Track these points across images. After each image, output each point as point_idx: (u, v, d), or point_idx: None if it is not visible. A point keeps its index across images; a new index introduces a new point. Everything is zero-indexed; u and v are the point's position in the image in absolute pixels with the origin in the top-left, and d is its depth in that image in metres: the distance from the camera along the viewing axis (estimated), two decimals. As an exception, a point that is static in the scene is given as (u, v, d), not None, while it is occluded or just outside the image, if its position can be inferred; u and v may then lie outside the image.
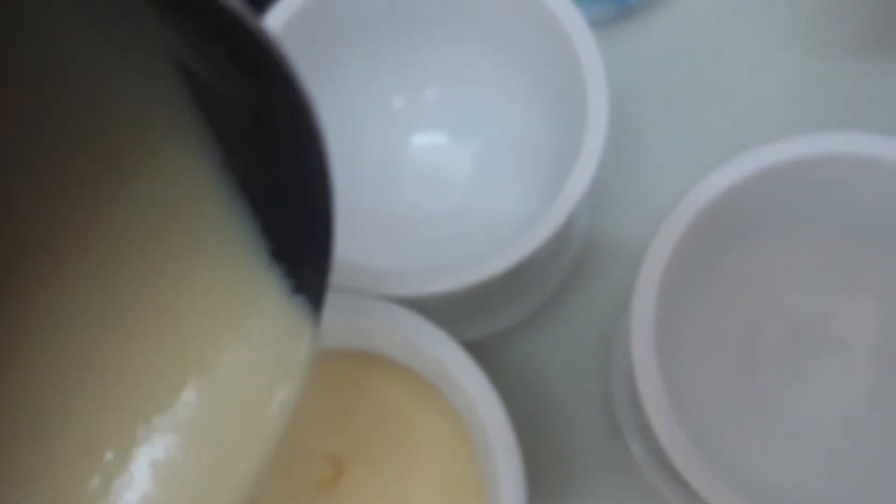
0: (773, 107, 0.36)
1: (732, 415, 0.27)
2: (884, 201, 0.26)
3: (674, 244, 0.25)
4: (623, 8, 0.38)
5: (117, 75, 0.17)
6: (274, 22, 0.28)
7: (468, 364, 0.24)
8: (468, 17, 0.30)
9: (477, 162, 0.32)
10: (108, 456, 0.18)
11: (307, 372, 0.19)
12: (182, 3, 0.14)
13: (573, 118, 0.27)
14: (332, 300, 0.24)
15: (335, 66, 0.30)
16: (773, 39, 0.38)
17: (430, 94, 0.32)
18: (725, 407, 0.27)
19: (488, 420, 0.23)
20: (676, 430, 0.23)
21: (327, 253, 0.18)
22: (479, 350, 0.33)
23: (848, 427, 0.27)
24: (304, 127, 0.16)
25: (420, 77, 0.32)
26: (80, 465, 0.18)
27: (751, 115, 0.36)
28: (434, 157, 0.32)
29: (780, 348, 0.28)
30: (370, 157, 0.31)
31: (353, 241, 0.29)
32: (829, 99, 0.36)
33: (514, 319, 0.33)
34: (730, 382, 0.27)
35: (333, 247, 0.18)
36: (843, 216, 0.27)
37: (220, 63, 0.16)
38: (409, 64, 0.31)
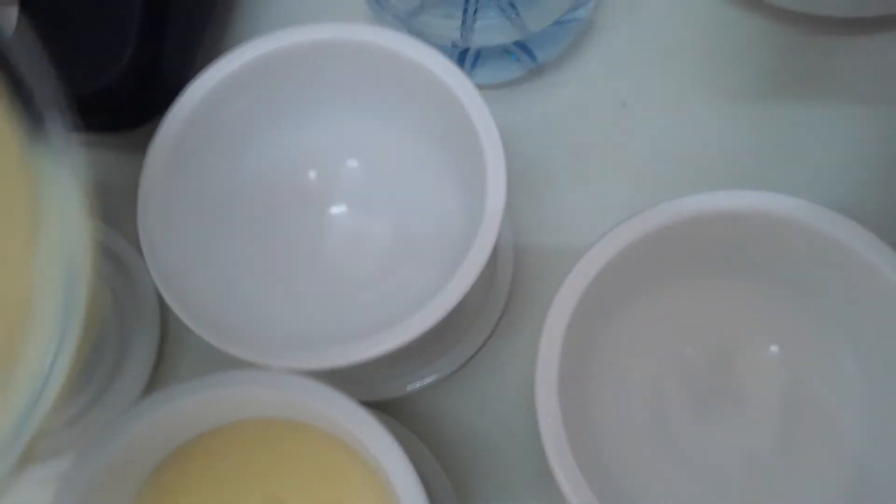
0: (678, 155, 0.38)
1: (643, 460, 0.28)
2: (781, 255, 0.28)
3: (576, 300, 0.27)
4: (534, 67, 0.40)
5: None
6: (187, 102, 0.29)
7: (379, 434, 0.25)
8: (376, 95, 0.31)
9: (394, 229, 0.33)
10: None
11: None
12: None
13: (477, 181, 0.29)
14: (253, 376, 0.26)
15: (247, 145, 0.32)
16: (676, 90, 0.40)
17: (347, 166, 0.34)
18: (636, 453, 0.28)
19: (400, 487, 0.24)
20: (579, 478, 0.24)
21: None
22: (409, 404, 0.34)
23: (752, 473, 0.28)
24: None
25: (335, 151, 0.33)
26: None
27: (658, 164, 0.38)
28: (352, 226, 0.33)
29: (683, 398, 0.29)
30: (289, 228, 0.32)
31: (275, 308, 0.30)
32: (732, 145, 0.38)
33: (444, 372, 0.34)
34: (639, 430, 0.29)
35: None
36: (743, 269, 0.29)
37: None
38: (323, 139, 0.33)
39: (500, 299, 0.35)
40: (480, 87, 0.29)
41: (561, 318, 0.26)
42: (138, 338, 0.36)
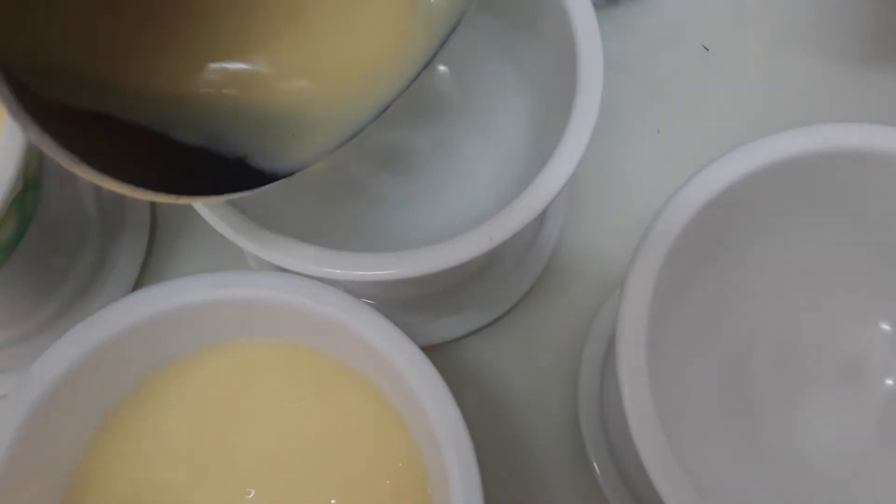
0: (759, 114, 0.34)
1: (723, 443, 0.23)
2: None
3: (664, 252, 0.22)
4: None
5: None
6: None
7: (426, 370, 0.20)
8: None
9: (447, 146, 0.28)
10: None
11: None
12: None
13: (559, 102, 0.24)
14: (278, 279, 0.21)
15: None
16: (765, 41, 0.35)
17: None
18: (715, 434, 0.23)
19: (442, 431, 0.19)
20: (665, 458, 0.19)
21: None
22: (440, 354, 0.29)
23: (849, 464, 0.23)
24: None
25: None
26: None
27: (736, 121, 0.33)
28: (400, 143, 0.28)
29: (775, 373, 0.24)
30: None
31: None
32: (817, 99, 0.34)
33: (479, 323, 0.30)
34: (721, 408, 0.24)
35: None
36: (855, 226, 0.24)
37: None
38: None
39: (547, 244, 0.31)
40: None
41: (647, 274, 0.21)
42: (123, 240, 0.31)
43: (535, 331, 0.30)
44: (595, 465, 0.28)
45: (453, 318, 0.29)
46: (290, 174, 0.20)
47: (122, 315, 0.21)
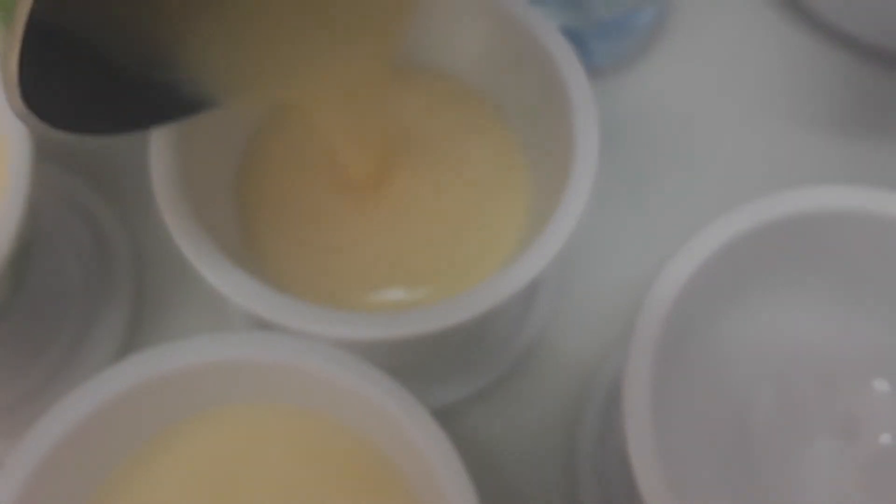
0: (743, 181, 0.34)
1: (723, 494, 0.23)
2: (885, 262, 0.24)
3: (666, 311, 0.22)
4: (591, 68, 0.36)
5: None
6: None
7: (436, 434, 0.20)
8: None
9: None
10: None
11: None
12: None
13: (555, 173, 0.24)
14: (280, 340, 0.21)
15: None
16: (743, 109, 0.36)
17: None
18: (717, 485, 0.23)
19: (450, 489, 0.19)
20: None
21: None
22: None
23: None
24: None
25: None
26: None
27: (721, 189, 0.34)
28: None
29: (774, 429, 0.24)
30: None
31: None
32: (802, 166, 0.34)
33: (473, 388, 0.29)
34: (722, 462, 0.24)
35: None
36: (854, 283, 0.24)
37: None
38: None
39: (541, 314, 0.31)
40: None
41: (651, 331, 0.22)
42: (109, 304, 0.30)
43: (530, 396, 0.30)
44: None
45: (446, 384, 0.29)
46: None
47: (119, 379, 0.21)
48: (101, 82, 0.18)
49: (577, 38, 0.34)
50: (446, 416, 0.29)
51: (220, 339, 0.21)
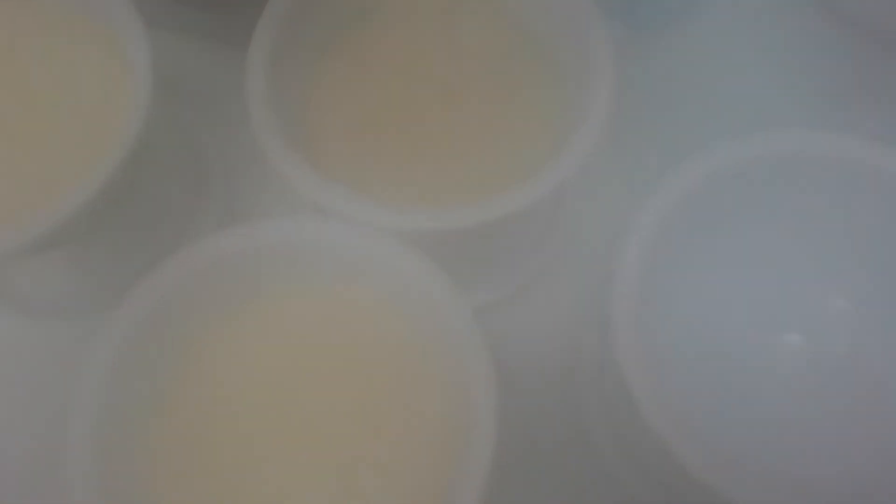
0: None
1: (707, 385, 0.28)
2: (848, 201, 0.27)
3: (649, 235, 0.26)
4: (638, 26, 0.40)
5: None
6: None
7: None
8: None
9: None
10: None
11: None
12: None
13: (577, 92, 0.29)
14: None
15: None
16: (761, 76, 0.39)
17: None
18: (701, 380, 0.28)
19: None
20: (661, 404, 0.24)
21: None
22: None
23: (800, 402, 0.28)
24: None
25: None
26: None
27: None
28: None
29: (746, 328, 0.28)
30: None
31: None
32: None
33: (501, 293, 0.34)
34: (702, 355, 0.28)
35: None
36: (821, 218, 0.28)
37: None
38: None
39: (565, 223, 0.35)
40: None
41: (634, 252, 0.26)
42: (204, 208, 0.36)
43: (548, 307, 0.35)
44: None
45: (475, 287, 0.34)
46: None
47: (202, 252, 0.26)
48: None
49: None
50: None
51: (284, 224, 0.26)
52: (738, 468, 0.23)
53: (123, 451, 0.25)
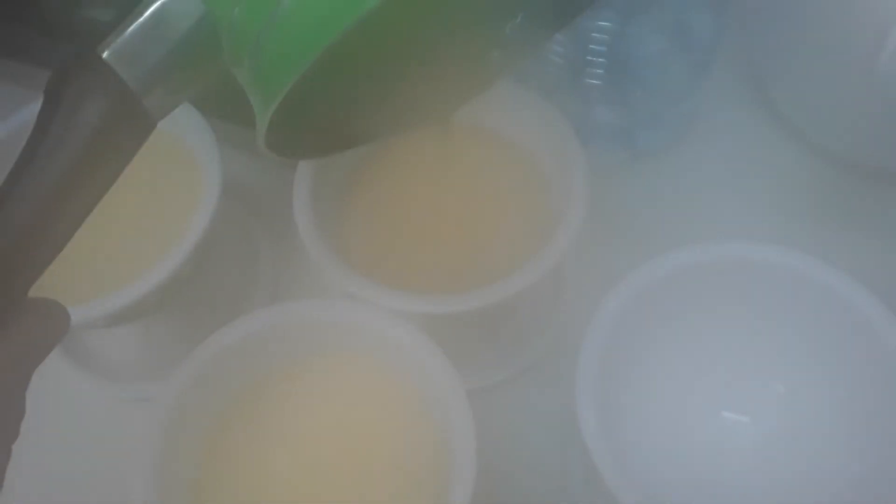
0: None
1: (665, 458, 0.32)
2: (785, 303, 0.32)
3: (609, 328, 0.31)
4: (635, 152, 0.46)
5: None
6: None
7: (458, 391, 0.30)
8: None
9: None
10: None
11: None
12: None
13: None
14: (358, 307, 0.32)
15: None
16: (740, 197, 0.45)
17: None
18: (659, 453, 0.32)
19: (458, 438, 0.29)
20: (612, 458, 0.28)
21: None
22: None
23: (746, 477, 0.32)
24: None
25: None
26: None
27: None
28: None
29: (697, 407, 0.33)
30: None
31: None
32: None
33: (502, 375, 0.39)
34: (661, 434, 0.33)
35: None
36: (747, 311, 0.33)
37: None
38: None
39: (562, 313, 0.41)
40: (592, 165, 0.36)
41: (597, 335, 0.31)
42: (255, 288, 0.43)
43: (543, 393, 0.40)
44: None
45: (482, 369, 0.39)
46: None
47: (245, 325, 0.33)
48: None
49: (624, 129, 0.45)
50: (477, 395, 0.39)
51: (316, 304, 0.33)
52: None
53: (180, 481, 0.31)
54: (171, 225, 0.37)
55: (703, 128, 0.48)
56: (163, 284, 0.34)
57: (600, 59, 0.41)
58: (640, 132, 0.46)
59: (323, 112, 0.28)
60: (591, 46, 0.40)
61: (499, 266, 0.34)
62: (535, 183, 0.38)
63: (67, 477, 0.40)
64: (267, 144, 0.25)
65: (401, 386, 0.33)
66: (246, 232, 0.45)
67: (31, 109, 0.38)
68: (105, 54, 0.21)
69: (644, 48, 0.40)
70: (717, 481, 0.32)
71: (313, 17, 0.20)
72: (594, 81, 0.42)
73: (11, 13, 0.39)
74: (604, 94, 0.43)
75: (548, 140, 0.37)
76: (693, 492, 0.32)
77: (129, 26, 0.22)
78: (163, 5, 0.22)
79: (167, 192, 0.39)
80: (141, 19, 0.22)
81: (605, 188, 0.45)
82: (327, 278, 0.34)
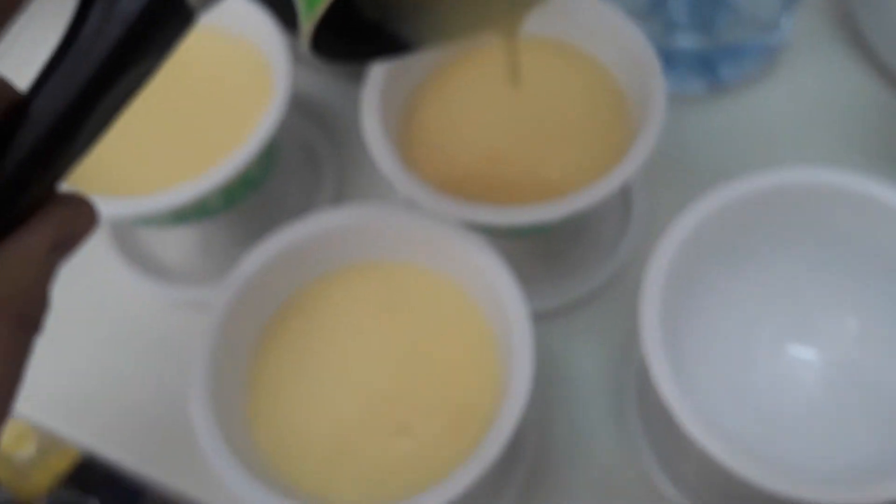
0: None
1: (731, 390, 0.31)
2: (852, 227, 0.31)
3: (671, 260, 0.30)
4: (715, 84, 0.44)
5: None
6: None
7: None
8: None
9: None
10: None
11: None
12: None
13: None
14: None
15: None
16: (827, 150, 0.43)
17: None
18: (725, 385, 0.31)
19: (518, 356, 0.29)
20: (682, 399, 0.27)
21: None
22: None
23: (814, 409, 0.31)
24: None
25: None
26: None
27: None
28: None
29: (766, 339, 0.32)
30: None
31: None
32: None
33: (565, 299, 0.38)
34: (727, 371, 0.32)
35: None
36: (817, 240, 0.32)
37: None
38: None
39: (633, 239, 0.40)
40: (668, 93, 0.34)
41: (661, 267, 0.29)
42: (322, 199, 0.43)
43: (606, 319, 0.39)
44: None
45: (542, 292, 0.38)
46: None
47: (303, 227, 0.32)
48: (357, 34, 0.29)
49: (705, 59, 0.43)
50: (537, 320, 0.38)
51: (380, 208, 0.33)
52: (764, 463, 0.26)
53: (233, 382, 0.31)
54: (239, 128, 0.36)
55: (788, 64, 0.45)
56: (226, 184, 0.34)
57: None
58: (722, 63, 0.44)
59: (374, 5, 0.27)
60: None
61: (566, 184, 0.33)
62: (612, 102, 0.36)
63: (114, 375, 0.40)
64: (312, 45, 0.24)
65: (463, 301, 0.32)
66: (311, 145, 0.45)
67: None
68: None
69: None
70: (779, 413, 0.31)
71: None
72: (679, 4, 0.40)
73: None
74: (689, 17, 0.41)
75: (628, 61, 0.36)
76: (752, 422, 0.31)
77: None
78: None
79: (238, 96, 0.38)
80: None
81: (682, 117, 0.44)
82: (393, 187, 0.33)
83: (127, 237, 0.42)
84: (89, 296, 0.42)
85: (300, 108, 0.46)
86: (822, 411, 0.31)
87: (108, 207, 0.33)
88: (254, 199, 0.39)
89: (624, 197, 0.40)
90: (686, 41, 0.42)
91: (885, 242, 0.30)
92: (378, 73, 0.35)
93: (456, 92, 0.37)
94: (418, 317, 0.33)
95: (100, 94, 0.21)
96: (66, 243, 0.21)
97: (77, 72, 0.20)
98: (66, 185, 0.22)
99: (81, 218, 0.22)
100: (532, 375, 0.28)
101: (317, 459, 0.30)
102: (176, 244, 0.42)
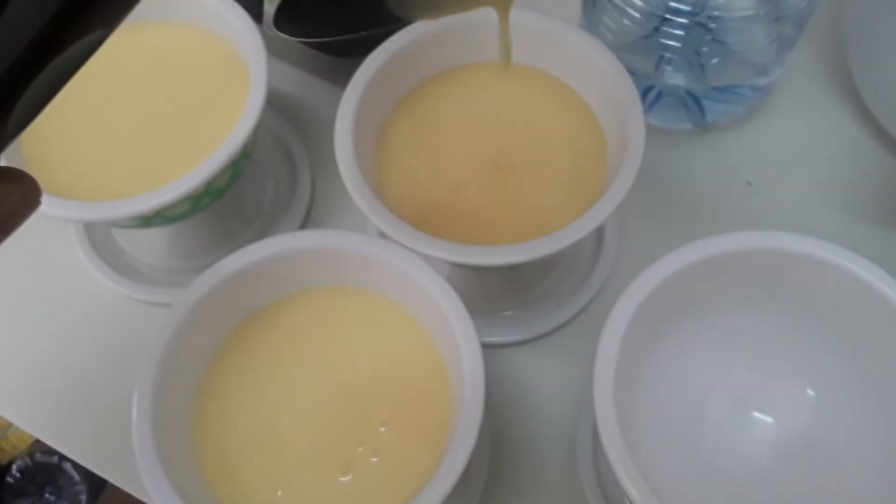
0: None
1: (679, 461, 0.31)
2: (813, 295, 0.31)
3: (632, 311, 0.29)
4: (703, 124, 0.44)
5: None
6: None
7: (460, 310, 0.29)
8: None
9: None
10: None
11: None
12: None
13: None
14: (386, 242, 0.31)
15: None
16: (801, 192, 0.43)
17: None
18: (674, 454, 0.31)
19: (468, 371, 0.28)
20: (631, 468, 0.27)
21: None
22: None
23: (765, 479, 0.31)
24: None
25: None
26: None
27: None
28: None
29: (720, 409, 0.32)
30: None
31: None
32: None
33: (529, 334, 0.38)
34: (679, 434, 0.31)
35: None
36: (778, 306, 0.32)
37: None
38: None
39: (599, 277, 0.40)
40: (652, 128, 0.34)
41: (618, 324, 0.29)
42: (290, 206, 0.43)
43: (568, 356, 0.39)
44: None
45: (506, 327, 0.38)
46: None
47: (251, 253, 0.32)
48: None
49: (694, 98, 0.43)
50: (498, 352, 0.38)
51: (338, 234, 0.32)
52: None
53: (181, 393, 0.31)
54: (214, 129, 0.36)
55: (776, 107, 0.45)
56: (196, 190, 0.34)
57: (681, 19, 0.39)
58: (710, 103, 0.44)
59: None
60: (671, 4, 0.38)
61: (538, 222, 0.33)
62: (590, 138, 0.36)
63: (74, 367, 0.40)
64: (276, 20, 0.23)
65: (414, 329, 0.32)
66: (286, 142, 0.44)
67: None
68: None
69: (731, 11, 0.38)
70: (728, 477, 0.31)
71: None
72: (671, 42, 0.40)
73: None
74: (679, 55, 0.40)
75: (611, 100, 0.35)
76: (700, 484, 0.31)
77: None
78: None
79: (215, 98, 0.38)
80: None
81: (663, 150, 0.44)
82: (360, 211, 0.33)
83: (98, 234, 0.42)
84: (57, 290, 0.42)
85: (276, 105, 0.45)
86: (771, 480, 0.30)
87: (69, 212, 0.33)
88: (227, 198, 0.38)
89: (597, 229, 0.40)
90: (674, 78, 0.42)
91: (847, 311, 0.30)
92: (354, 89, 0.35)
93: (432, 110, 0.37)
94: (371, 344, 0.32)
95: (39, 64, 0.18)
96: (10, 219, 0.19)
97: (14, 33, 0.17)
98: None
99: (23, 192, 0.19)
100: (481, 413, 0.28)
101: (259, 492, 0.30)
102: (148, 243, 0.42)
